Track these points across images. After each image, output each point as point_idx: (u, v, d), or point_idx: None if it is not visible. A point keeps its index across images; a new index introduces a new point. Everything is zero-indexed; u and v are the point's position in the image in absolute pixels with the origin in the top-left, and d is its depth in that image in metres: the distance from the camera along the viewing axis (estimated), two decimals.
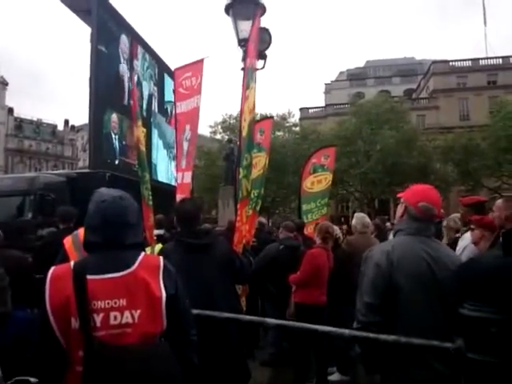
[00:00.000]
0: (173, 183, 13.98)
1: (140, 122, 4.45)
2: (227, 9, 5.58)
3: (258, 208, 5.81)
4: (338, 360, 4.65)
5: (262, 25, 5.28)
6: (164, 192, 10.78)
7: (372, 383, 3.01)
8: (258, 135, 6.35)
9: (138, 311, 1.50)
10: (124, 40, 12.55)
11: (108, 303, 1.47)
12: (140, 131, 4.33)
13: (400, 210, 2.15)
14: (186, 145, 5.41)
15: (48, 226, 8.33)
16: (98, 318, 1.46)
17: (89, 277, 1.49)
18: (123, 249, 1.57)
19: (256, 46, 3.80)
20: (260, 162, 6.18)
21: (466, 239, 3.56)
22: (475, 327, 1.53)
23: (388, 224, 7.31)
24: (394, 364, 1.89)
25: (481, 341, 1.54)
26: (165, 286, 1.56)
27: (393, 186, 29.47)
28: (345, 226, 20.32)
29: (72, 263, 1.56)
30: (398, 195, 2.26)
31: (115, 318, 1.47)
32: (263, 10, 5.48)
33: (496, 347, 1.52)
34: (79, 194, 9.37)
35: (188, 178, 5.40)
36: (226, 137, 27.94)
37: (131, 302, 1.49)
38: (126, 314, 1.48)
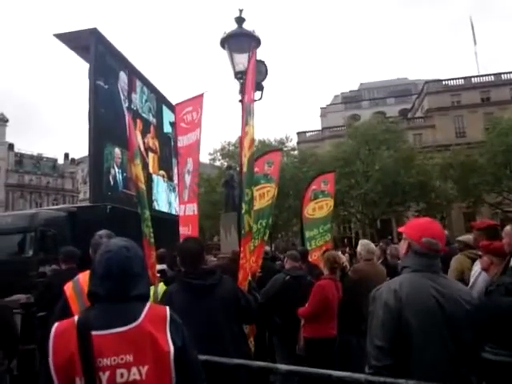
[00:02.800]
0: (173, 212, 13.94)
1: (138, 160, 4.35)
2: (223, 43, 5.71)
3: (265, 238, 5.75)
4: None
5: (258, 56, 5.38)
6: (164, 222, 10.73)
7: None
8: (265, 166, 6.37)
9: (146, 367, 1.44)
10: (122, 75, 12.76)
11: (114, 360, 1.42)
12: (139, 169, 4.21)
13: (403, 245, 2.10)
14: (187, 177, 5.41)
15: (50, 262, 8.26)
16: (104, 377, 1.40)
17: (94, 332, 1.43)
18: (128, 301, 1.53)
19: (253, 82, 3.83)
20: (269, 192, 6.12)
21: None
22: (498, 371, 1.47)
23: (392, 247, 7.12)
24: None
25: None
26: (172, 339, 1.51)
27: (394, 205, 29.43)
28: (348, 249, 20.19)
29: (76, 318, 1.51)
30: (399, 230, 2.21)
31: (122, 375, 1.41)
32: (258, 43, 5.60)
33: None
34: (80, 228, 9.36)
35: (191, 209, 5.35)
36: (225, 163, 28.06)
37: (138, 357, 1.44)
38: (134, 370, 1.42)
